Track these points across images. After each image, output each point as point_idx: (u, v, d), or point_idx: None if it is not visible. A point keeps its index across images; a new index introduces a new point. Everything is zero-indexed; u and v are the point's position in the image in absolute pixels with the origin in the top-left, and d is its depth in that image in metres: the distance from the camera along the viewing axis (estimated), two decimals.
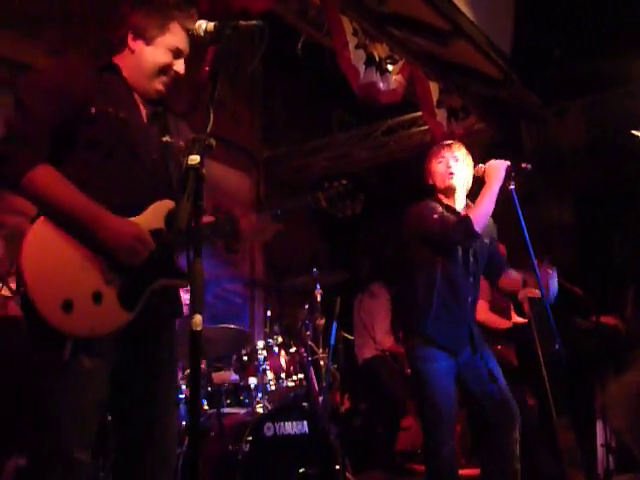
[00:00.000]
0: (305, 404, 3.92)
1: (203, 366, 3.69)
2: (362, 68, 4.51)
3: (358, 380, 5.74)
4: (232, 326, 4.04)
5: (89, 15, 4.88)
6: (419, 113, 5.82)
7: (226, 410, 3.74)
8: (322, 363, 4.21)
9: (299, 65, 5.27)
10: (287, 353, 3.97)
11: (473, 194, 3.19)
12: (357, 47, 4.43)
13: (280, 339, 4.00)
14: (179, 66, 2.12)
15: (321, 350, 4.26)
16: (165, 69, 2.10)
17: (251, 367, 3.87)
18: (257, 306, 6.22)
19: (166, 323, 2.10)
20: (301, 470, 3.38)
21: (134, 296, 1.94)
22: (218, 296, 5.88)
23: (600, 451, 4.34)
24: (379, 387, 5.56)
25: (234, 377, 3.99)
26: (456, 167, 3.20)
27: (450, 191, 3.23)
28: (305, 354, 4.06)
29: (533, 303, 4.21)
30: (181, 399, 3.46)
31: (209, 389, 3.68)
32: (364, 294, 5.89)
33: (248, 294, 6.27)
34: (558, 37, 5.57)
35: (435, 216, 3.11)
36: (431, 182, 3.28)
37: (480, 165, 3.16)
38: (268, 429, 3.37)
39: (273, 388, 3.80)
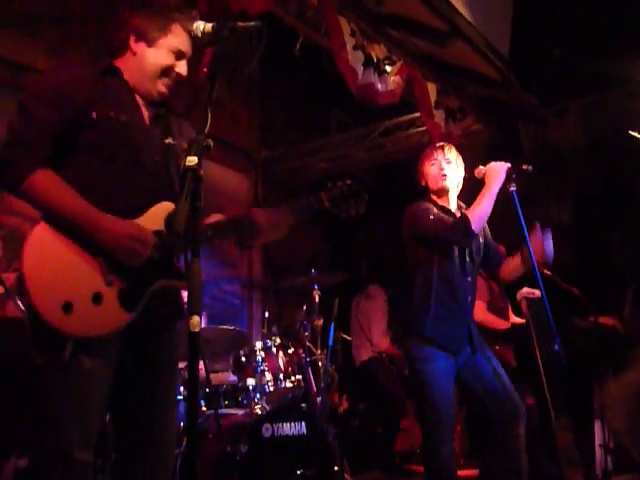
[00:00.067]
0: (303, 405, 3.92)
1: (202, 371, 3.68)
2: (360, 69, 4.51)
3: (356, 381, 5.74)
4: (230, 327, 4.04)
5: (89, 15, 4.88)
6: (417, 114, 5.82)
7: (224, 411, 3.74)
8: (320, 364, 4.21)
9: (297, 66, 5.27)
10: (285, 354, 3.96)
11: (473, 196, 3.19)
12: (355, 48, 4.43)
13: (278, 340, 4.00)
14: (181, 68, 2.12)
15: (319, 351, 4.26)
16: (167, 71, 2.10)
17: (249, 368, 3.87)
18: (255, 307, 6.22)
19: (167, 324, 2.10)
20: (299, 471, 3.37)
21: (134, 297, 1.94)
22: (216, 297, 5.88)
23: (598, 451, 4.33)
24: (377, 388, 5.56)
25: (232, 378, 3.99)
26: (448, 169, 3.25)
27: (443, 192, 3.28)
28: (303, 355, 4.06)
29: (531, 303, 4.22)
30: (179, 400, 3.46)
31: (207, 390, 3.68)
32: (361, 296, 5.90)
33: (246, 295, 6.27)
34: (556, 38, 5.58)
35: (431, 217, 3.14)
36: (424, 184, 3.33)
37: (480, 167, 3.18)
38: (266, 430, 3.37)
39: (271, 389, 3.80)
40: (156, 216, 2.01)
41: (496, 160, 3.17)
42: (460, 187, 3.34)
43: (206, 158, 2.13)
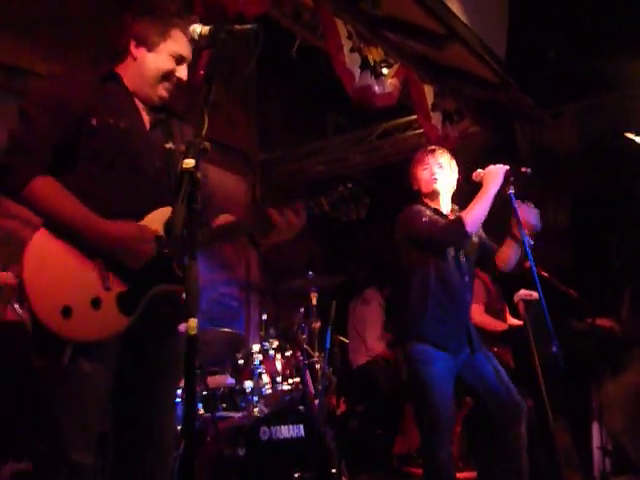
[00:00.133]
0: (301, 408, 3.91)
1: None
2: (357, 71, 4.51)
3: (354, 384, 5.74)
4: (228, 330, 4.04)
5: (87, 19, 4.88)
6: (414, 116, 5.83)
7: (222, 414, 3.74)
8: (318, 366, 4.20)
9: (294, 69, 5.28)
10: (283, 357, 3.96)
11: (470, 199, 3.20)
12: (352, 50, 4.44)
13: (276, 343, 4.00)
14: (181, 72, 2.13)
15: (317, 353, 4.26)
16: (168, 75, 2.12)
17: (247, 371, 3.87)
18: (253, 310, 6.21)
19: (167, 327, 2.10)
20: (297, 474, 3.37)
21: (133, 302, 1.96)
22: (214, 300, 5.88)
23: (596, 453, 4.33)
24: (374, 392, 5.56)
25: (230, 381, 3.98)
26: (440, 173, 3.28)
27: (434, 196, 3.30)
28: (301, 357, 4.05)
29: (529, 305, 4.22)
30: (177, 403, 3.45)
31: (205, 393, 3.67)
32: (357, 300, 5.90)
33: (244, 298, 6.26)
34: (553, 39, 5.59)
35: (424, 219, 3.17)
36: (416, 187, 3.36)
37: (479, 170, 3.19)
38: (264, 433, 3.37)
39: (269, 392, 3.80)
40: (155, 221, 2.02)
41: (493, 162, 3.18)
42: (453, 189, 3.36)
43: (203, 161, 2.14)
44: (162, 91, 2.13)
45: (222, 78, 5.36)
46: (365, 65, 4.59)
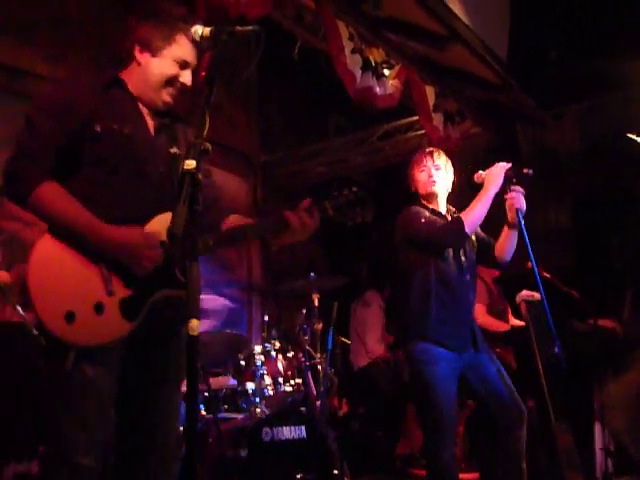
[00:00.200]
0: (303, 409, 3.91)
1: None
2: (358, 73, 4.51)
3: (355, 385, 5.74)
4: (229, 331, 4.04)
5: (87, 20, 4.88)
6: (415, 118, 5.83)
7: (224, 415, 3.74)
8: (320, 368, 4.20)
9: (295, 70, 5.27)
10: (285, 358, 3.96)
11: (470, 200, 3.20)
12: (353, 52, 4.44)
13: (278, 344, 4.00)
14: (186, 77, 2.14)
15: (319, 355, 4.26)
16: (171, 80, 2.12)
17: (249, 372, 3.87)
18: (255, 311, 6.21)
19: (170, 331, 2.11)
20: (299, 475, 3.37)
21: (135, 307, 1.98)
22: None
23: (599, 454, 4.33)
24: (376, 393, 5.56)
25: (232, 382, 3.98)
26: (437, 175, 3.30)
27: (432, 197, 3.33)
28: (303, 359, 4.05)
29: (530, 306, 4.22)
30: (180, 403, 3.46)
31: (206, 394, 3.68)
32: (358, 303, 5.90)
33: (245, 299, 6.26)
34: (554, 40, 5.59)
35: (422, 220, 3.19)
36: (413, 189, 3.38)
37: (480, 172, 3.19)
38: (266, 434, 3.37)
39: (271, 393, 3.80)
40: (158, 226, 2.02)
41: (494, 163, 3.18)
42: (449, 191, 3.38)
43: (207, 163, 2.14)
44: (166, 96, 2.13)
45: (223, 79, 5.36)
46: (366, 66, 4.59)
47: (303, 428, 3.51)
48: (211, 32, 1.82)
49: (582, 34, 5.42)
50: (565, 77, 5.62)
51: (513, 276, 4.37)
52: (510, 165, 3.13)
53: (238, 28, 1.79)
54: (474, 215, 3.08)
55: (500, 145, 6.24)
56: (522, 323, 4.50)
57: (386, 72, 4.84)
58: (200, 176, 1.56)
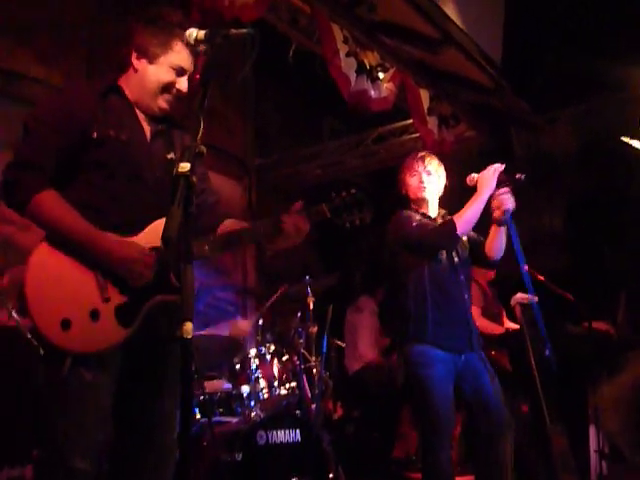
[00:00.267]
0: (298, 412, 3.91)
1: None
2: (353, 76, 4.52)
3: (350, 389, 5.73)
4: (224, 334, 4.03)
5: (82, 24, 4.88)
6: (410, 121, 5.85)
7: (218, 419, 3.73)
8: (315, 371, 4.20)
9: (290, 73, 5.28)
10: (279, 361, 3.95)
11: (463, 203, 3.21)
12: (348, 55, 4.45)
13: (272, 347, 3.99)
14: (182, 84, 2.15)
15: (314, 358, 4.25)
16: (168, 87, 2.13)
17: (243, 375, 3.86)
18: (249, 314, 6.20)
19: (166, 335, 2.10)
20: (294, 479, 3.36)
21: (131, 313, 1.99)
22: (210, 304, 5.87)
23: (593, 457, 4.34)
24: (371, 397, 5.55)
25: (226, 385, 3.97)
26: (428, 181, 3.32)
27: (422, 202, 3.34)
28: (298, 362, 4.05)
29: (525, 309, 4.23)
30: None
31: (201, 398, 3.67)
32: (351, 308, 5.89)
33: (240, 302, 6.25)
34: (549, 44, 5.61)
35: (413, 224, 3.20)
36: (404, 192, 3.39)
37: (473, 175, 3.20)
38: (261, 437, 3.36)
39: (265, 396, 3.79)
40: (155, 232, 2.02)
41: (488, 165, 3.19)
42: (440, 194, 3.39)
43: (202, 167, 2.13)
44: (162, 102, 2.14)
45: (218, 82, 5.37)
46: (361, 69, 4.60)
47: (298, 431, 3.50)
48: (206, 35, 1.81)
49: (577, 37, 5.44)
50: (559, 80, 5.64)
51: (508, 279, 4.38)
52: (503, 167, 3.13)
53: (233, 31, 1.79)
54: (467, 218, 3.10)
55: (494, 148, 6.25)
56: (517, 326, 4.50)
57: (381, 75, 4.85)
58: (194, 179, 1.56)
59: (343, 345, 5.79)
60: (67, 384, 1.93)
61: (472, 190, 3.17)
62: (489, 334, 4.55)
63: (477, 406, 3.12)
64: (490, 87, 5.54)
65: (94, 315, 1.95)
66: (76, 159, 2.04)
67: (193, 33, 1.84)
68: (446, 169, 3.44)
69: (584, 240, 5.89)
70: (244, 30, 1.80)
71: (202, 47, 1.82)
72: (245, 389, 3.78)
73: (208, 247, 2.04)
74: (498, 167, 3.13)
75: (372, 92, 4.72)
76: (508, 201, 3.08)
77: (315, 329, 4.28)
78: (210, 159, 1.98)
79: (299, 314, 4.45)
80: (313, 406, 4.02)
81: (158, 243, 2.00)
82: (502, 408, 3.11)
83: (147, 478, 2.06)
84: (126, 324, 1.98)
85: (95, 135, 2.03)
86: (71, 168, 2.04)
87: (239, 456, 3.24)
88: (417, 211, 3.32)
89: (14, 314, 3.12)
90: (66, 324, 1.92)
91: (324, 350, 4.23)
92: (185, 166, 1.56)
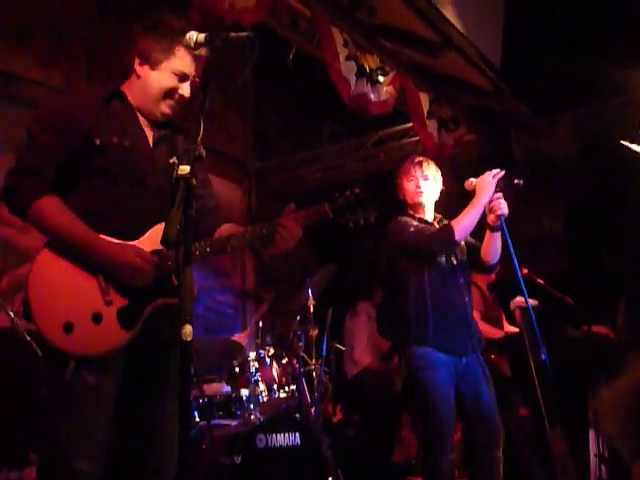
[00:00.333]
0: (297, 415, 3.91)
1: None
2: (353, 79, 4.53)
3: (349, 393, 5.73)
4: (224, 337, 4.03)
5: (82, 26, 4.89)
6: (410, 124, 5.85)
7: (218, 422, 3.72)
8: (314, 374, 4.19)
9: (290, 76, 5.29)
10: (279, 364, 3.95)
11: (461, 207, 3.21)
12: (348, 58, 4.45)
13: (272, 350, 3.99)
14: (184, 90, 2.15)
15: (313, 361, 4.25)
16: (170, 93, 2.14)
17: (243, 378, 3.86)
18: (249, 317, 6.21)
19: (168, 337, 2.10)
20: None
21: (133, 316, 2.00)
22: (210, 307, 5.87)
23: (593, 461, 4.33)
24: (368, 402, 5.54)
25: (226, 389, 3.97)
26: (425, 186, 3.33)
27: (419, 207, 3.36)
28: (297, 365, 4.05)
29: (525, 313, 4.23)
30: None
31: (200, 401, 3.66)
32: (349, 314, 5.89)
33: (240, 305, 6.25)
34: (548, 47, 5.62)
35: (411, 229, 3.22)
36: (401, 197, 3.40)
37: (471, 180, 3.20)
38: (260, 441, 3.36)
39: (265, 399, 3.79)
40: (156, 236, 2.02)
41: (488, 170, 3.19)
42: (437, 199, 3.40)
43: (204, 171, 2.13)
44: (165, 108, 2.15)
45: (219, 86, 5.38)
46: (361, 73, 4.60)
47: (297, 435, 3.50)
48: (206, 38, 1.82)
49: (576, 40, 5.45)
50: (559, 84, 5.64)
51: (507, 283, 4.38)
52: (501, 173, 3.14)
53: (233, 34, 1.79)
54: (465, 223, 3.10)
55: (494, 151, 6.26)
56: (516, 330, 4.50)
57: (381, 79, 4.85)
58: (194, 181, 1.57)
59: (343, 348, 5.79)
60: (70, 387, 1.94)
61: (471, 194, 3.17)
62: (489, 338, 4.54)
63: (475, 416, 3.13)
64: (490, 90, 5.54)
65: (96, 318, 1.96)
66: (78, 165, 2.05)
67: (193, 36, 1.85)
68: (445, 172, 3.45)
69: (583, 243, 5.89)
70: (244, 33, 1.81)
71: (202, 50, 1.83)
72: (244, 392, 3.78)
73: (210, 249, 2.04)
74: (497, 173, 3.13)
75: (372, 95, 4.72)
76: (501, 206, 3.09)
77: (315, 332, 4.28)
78: (210, 162, 1.98)
79: (299, 317, 4.45)
80: (313, 409, 4.02)
81: (159, 246, 2.02)
82: (496, 417, 3.13)
83: None
84: (128, 327, 1.98)
85: (98, 142, 2.05)
86: (74, 174, 2.06)
87: (238, 459, 3.24)
88: (414, 216, 3.33)
89: (11, 315, 3.12)
90: (69, 327, 1.93)
91: (324, 353, 4.23)
92: (185, 169, 1.56)
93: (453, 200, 3.44)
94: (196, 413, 3.63)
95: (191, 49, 1.90)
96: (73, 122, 2.05)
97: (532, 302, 3.64)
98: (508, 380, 4.44)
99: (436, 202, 3.42)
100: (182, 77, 2.14)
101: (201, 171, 2.13)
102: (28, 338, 2.98)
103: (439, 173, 3.40)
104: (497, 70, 5.35)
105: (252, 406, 3.72)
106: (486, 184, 3.11)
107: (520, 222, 3.16)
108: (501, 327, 4.81)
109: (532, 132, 6.35)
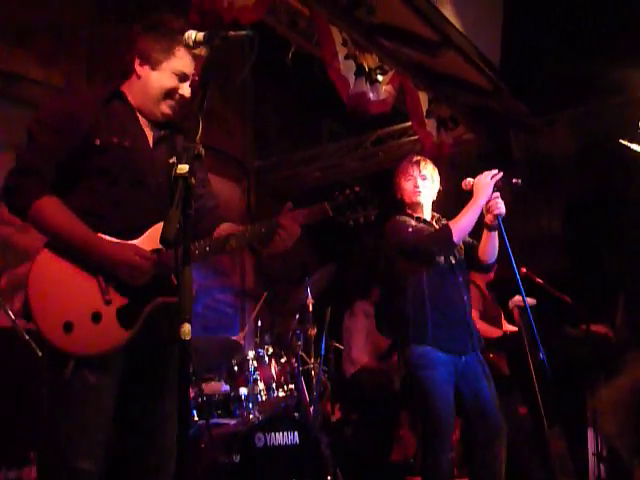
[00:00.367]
0: (296, 414, 3.91)
1: None
2: (352, 78, 4.52)
3: (347, 392, 5.73)
4: (223, 336, 4.03)
5: (81, 26, 4.89)
6: (409, 123, 5.84)
7: (216, 421, 3.72)
8: (313, 373, 4.20)
9: (289, 75, 5.29)
10: (278, 363, 3.96)
11: (460, 207, 3.21)
12: (347, 57, 4.45)
13: (271, 349, 3.99)
14: (185, 90, 2.16)
15: (312, 360, 4.25)
16: (171, 93, 2.15)
17: (242, 377, 3.86)
18: (248, 316, 6.21)
19: (168, 336, 2.11)
20: None
21: (132, 315, 2.00)
22: (209, 306, 5.87)
23: (591, 460, 4.34)
24: (366, 400, 5.54)
25: (225, 388, 3.97)
26: (423, 185, 3.34)
27: (417, 206, 3.36)
28: (296, 364, 4.05)
29: (524, 311, 4.23)
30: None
31: (199, 399, 3.66)
32: (348, 313, 5.89)
33: (239, 304, 6.25)
34: (547, 46, 5.62)
35: (409, 229, 3.22)
36: (399, 196, 3.40)
37: (469, 179, 3.20)
38: (259, 440, 3.36)
39: (264, 398, 3.79)
40: (156, 235, 2.02)
41: (487, 169, 3.19)
42: (434, 198, 3.41)
43: (203, 171, 2.12)
44: (165, 108, 2.16)
45: (218, 85, 5.38)
46: (360, 72, 4.60)
47: (296, 434, 3.50)
48: (205, 36, 1.81)
49: (575, 39, 5.45)
50: (558, 83, 5.65)
51: (506, 282, 4.38)
52: (499, 173, 3.14)
53: (231, 33, 1.79)
54: (463, 224, 3.11)
55: (493, 151, 6.26)
56: (515, 329, 4.50)
57: (380, 78, 4.85)
58: (193, 180, 1.56)
59: (342, 347, 5.79)
60: (70, 386, 1.95)
61: (468, 193, 3.17)
62: (487, 337, 4.54)
63: (474, 413, 3.12)
64: (489, 89, 5.54)
65: (96, 317, 1.97)
66: (78, 165, 2.05)
67: (192, 35, 1.85)
68: (444, 171, 3.45)
69: (582, 242, 5.89)
70: (243, 32, 1.81)
71: (201, 49, 1.83)
72: (243, 391, 3.78)
73: (209, 249, 2.05)
74: (495, 173, 3.13)
75: (371, 94, 4.72)
76: (499, 205, 3.09)
77: (314, 331, 4.28)
78: (209, 161, 1.99)
79: (298, 316, 4.45)
80: (311, 408, 4.02)
81: (159, 245, 2.02)
82: (497, 413, 3.12)
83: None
84: (128, 326, 1.99)
85: (98, 142, 2.05)
86: (74, 174, 2.06)
87: (237, 458, 3.24)
88: (412, 215, 3.33)
89: (10, 314, 3.12)
90: (68, 327, 1.94)
91: (322, 352, 4.23)
92: (183, 168, 1.56)
93: (452, 199, 3.45)
94: (195, 412, 3.64)
95: (190, 48, 1.90)
96: (73, 122, 2.05)
97: (531, 301, 3.66)
98: (507, 379, 4.44)
99: (434, 201, 3.42)
100: (182, 77, 2.14)
101: (200, 170, 2.12)
102: (27, 337, 2.98)
103: (437, 172, 3.41)
104: (496, 69, 5.35)
105: (251, 405, 3.72)
106: (484, 185, 3.11)
107: (519, 221, 3.16)
108: (500, 326, 4.81)
109: (531, 131, 6.35)
